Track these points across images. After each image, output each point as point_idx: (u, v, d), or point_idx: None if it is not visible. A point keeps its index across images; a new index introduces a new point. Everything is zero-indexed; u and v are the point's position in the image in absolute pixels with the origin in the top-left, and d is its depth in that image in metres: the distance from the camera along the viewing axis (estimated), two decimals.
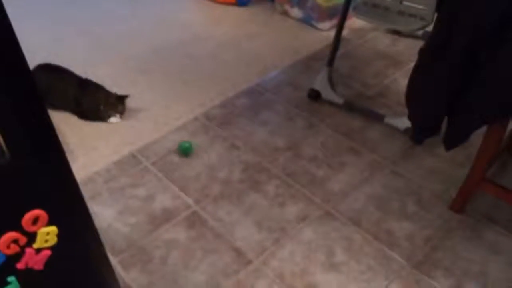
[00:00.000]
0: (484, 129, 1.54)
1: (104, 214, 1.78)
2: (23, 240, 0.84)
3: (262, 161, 2.00)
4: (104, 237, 1.06)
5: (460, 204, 1.73)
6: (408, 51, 2.63)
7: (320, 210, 1.78)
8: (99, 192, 1.87)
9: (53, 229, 0.87)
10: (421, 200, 1.80)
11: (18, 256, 0.85)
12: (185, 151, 2.01)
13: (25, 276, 0.88)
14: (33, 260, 0.88)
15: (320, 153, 2.03)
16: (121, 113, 2.20)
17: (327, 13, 2.80)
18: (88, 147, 2.08)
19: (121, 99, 2.19)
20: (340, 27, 2.18)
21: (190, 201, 1.83)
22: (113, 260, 1.63)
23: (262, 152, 2.04)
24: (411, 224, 1.72)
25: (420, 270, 1.57)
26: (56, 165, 0.86)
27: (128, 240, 1.70)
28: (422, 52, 1.56)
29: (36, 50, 2.26)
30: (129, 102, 2.24)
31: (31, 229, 0.84)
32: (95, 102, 2.17)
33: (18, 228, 0.82)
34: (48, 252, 0.89)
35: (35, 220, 0.84)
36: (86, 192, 1.81)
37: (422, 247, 1.64)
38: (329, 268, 1.58)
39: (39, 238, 0.86)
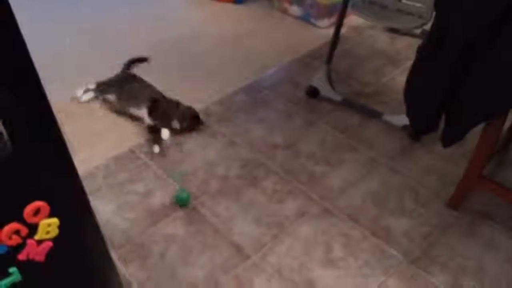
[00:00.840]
0: (481, 127, 1.55)
1: (103, 209, 1.79)
2: (24, 231, 0.85)
3: (260, 158, 2.01)
4: (103, 232, 1.07)
5: (457, 201, 1.74)
6: (406, 49, 2.64)
7: (318, 207, 1.79)
8: (98, 187, 1.88)
9: (55, 220, 0.88)
10: (419, 197, 1.82)
11: (19, 247, 0.86)
12: (183, 202, 1.81)
13: (27, 267, 0.89)
14: (34, 251, 0.88)
15: (318, 150, 2.04)
16: (191, 129, 2.14)
17: (326, 11, 2.81)
18: (87, 143, 2.08)
19: (195, 117, 2.16)
20: (339, 25, 2.19)
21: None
22: (112, 255, 1.63)
23: (260, 148, 2.05)
24: (408, 220, 1.73)
25: (417, 265, 1.58)
26: (58, 157, 0.87)
27: (127, 235, 1.70)
28: (420, 50, 1.57)
29: (37, 48, 2.27)
30: None
31: (33, 220, 0.85)
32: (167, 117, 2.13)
33: (20, 219, 0.83)
34: (50, 244, 0.90)
35: (36, 212, 0.84)
36: (85, 187, 1.81)
37: (419, 243, 1.65)
38: (327, 264, 1.59)
39: (40, 229, 0.87)
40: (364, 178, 1.91)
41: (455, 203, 1.75)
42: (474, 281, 1.52)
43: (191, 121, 2.14)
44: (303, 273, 1.56)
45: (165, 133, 2.07)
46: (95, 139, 2.11)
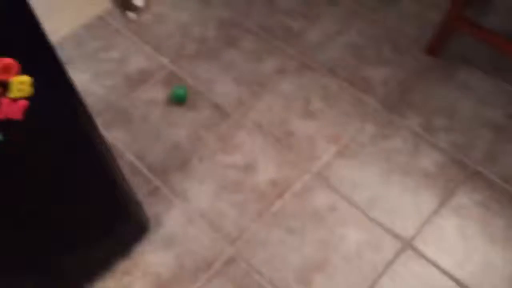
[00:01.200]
0: None
1: (79, 79, 1.76)
2: None
3: (236, 17, 1.94)
4: (81, 96, 1.06)
5: (436, 46, 1.74)
6: None
7: (297, 62, 1.78)
8: (70, 58, 1.83)
9: (27, 78, 0.86)
10: (398, 46, 1.81)
11: None
12: (179, 98, 1.67)
13: (6, 126, 0.90)
14: (10, 109, 0.88)
15: (296, 5, 1.97)
16: None
17: None
18: (52, 11, 1.97)
19: None
20: None
21: (166, 61, 1.81)
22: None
23: (236, 7, 1.97)
24: (386, 69, 1.74)
25: (393, 110, 1.63)
26: (22, 12, 0.82)
27: (106, 102, 1.70)
28: None
29: None
30: None
31: (4, 77, 0.83)
32: None
33: None
34: (25, 103, 0.90)
35: (6, 69, 0.82)
36: None
37: (396, 90, 1.68)
38: (306, 116, 1.64)
39: (13, 87, 0.86)
40: (343, 30, 1.87)
41: (434, 48, 1.74)
42: (446, 121, 1.59)
43: None
44: (283, 126, 1.61)
45: (138, 0, 1.95)
46: (59, 6, 2.00)
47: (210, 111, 1.66)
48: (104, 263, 1.32)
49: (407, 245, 1.35)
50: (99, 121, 1.65)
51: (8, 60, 0.83)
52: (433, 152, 1.52)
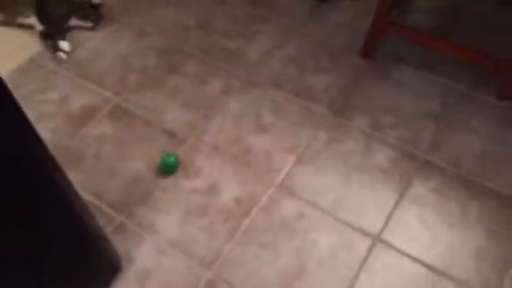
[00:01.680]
0: None
1: None
2: None
3: (175, 43, 1.95)
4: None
5: (368, 50, 1.84)
6: None
7: (241, 80, 1.82)
8: None
9: None
10: (333, 54, 1.90)
11: None
12: (169, 166, 1.54)
13: None
14: None
15: (231, 25, 2.01)
16: (96, 23, 2.00)
17: None
18: None
19: (95, 7, 1.98)
20: None
21: (109, 94, 1.78)
22: None
23: (173, 34, 1.98)
24: (327, 77, 1.82)
25: (340, 115, 1.70)
26: None
27: (54, 144, 1.64)
28: None
29: None
30: None
31: None
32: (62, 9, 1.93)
33: None
34: None
35: None
36: None
37: (339, 95, 1.76)
38: (260, 131, 1.67)
39: None
40: (280, 45, 1.94)
41: (367, 52, 1.85)
42: (391, 118, 1.68)
43: (93, 14, 1.99)
44: (239, 144, 1.63)
45: (64, 45, 1.89)
46: None
47: (164, 139, 1.65)
48: None
49: (376, 239, 1.41)
50: None
51: None
52: (384, 149, 1.60)
